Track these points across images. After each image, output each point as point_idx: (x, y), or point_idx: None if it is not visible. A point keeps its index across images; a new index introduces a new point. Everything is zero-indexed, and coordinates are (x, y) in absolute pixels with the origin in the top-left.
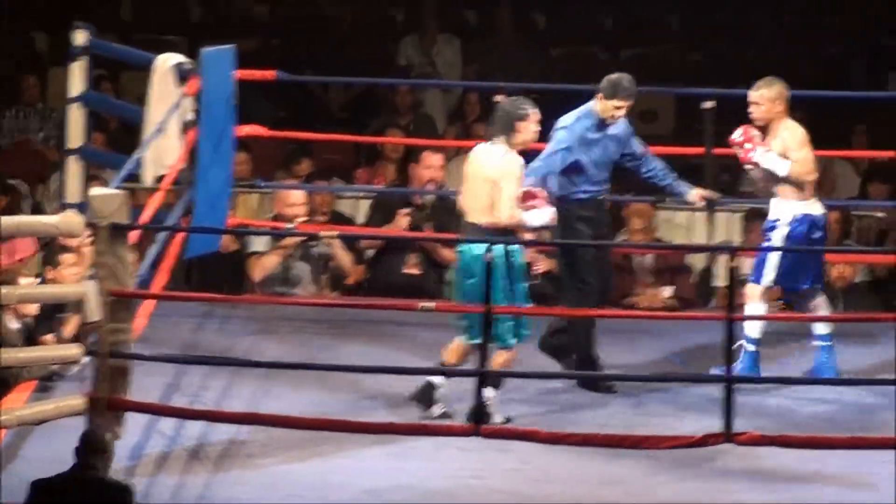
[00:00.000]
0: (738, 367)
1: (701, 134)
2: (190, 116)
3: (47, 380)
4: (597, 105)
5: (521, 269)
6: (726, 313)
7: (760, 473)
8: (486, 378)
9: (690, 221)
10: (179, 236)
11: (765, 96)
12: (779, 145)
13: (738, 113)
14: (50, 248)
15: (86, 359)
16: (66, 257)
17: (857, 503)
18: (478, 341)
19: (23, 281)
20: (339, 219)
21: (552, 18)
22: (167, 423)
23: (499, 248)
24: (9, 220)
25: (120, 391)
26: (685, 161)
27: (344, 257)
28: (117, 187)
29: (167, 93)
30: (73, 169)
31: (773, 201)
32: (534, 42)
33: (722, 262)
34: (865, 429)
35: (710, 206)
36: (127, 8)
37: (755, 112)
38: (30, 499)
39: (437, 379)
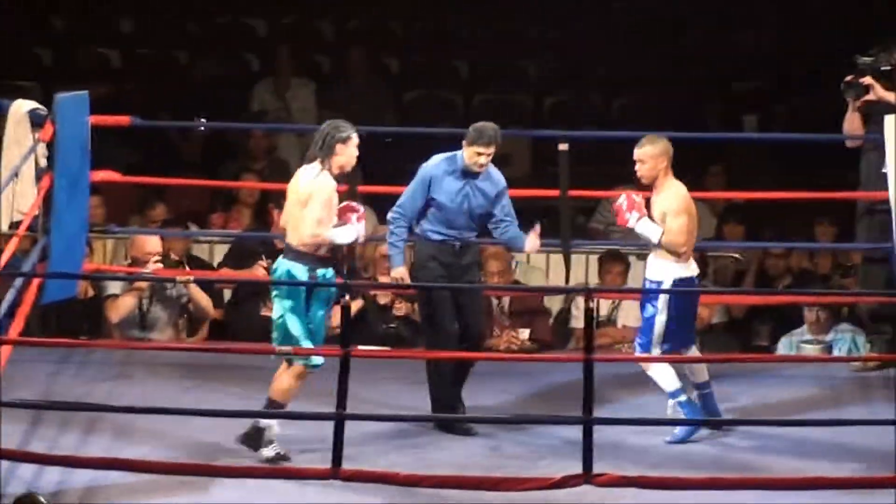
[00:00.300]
0: (681, 432)
1: (556, 177)
2: (44, 163)
3: None
4: (464, 151)
5: (324, 296)
6: (584, 355)
7: None
8: (343, 420)
9: (548, 263)
10: (35, 282)
11: (648, 153)
12: (660, 207)
13: (594, 155)
14: None
15: None
16: None
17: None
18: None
19: None
20: (195, 262)
21: (405, 63)
22: (26, 469)
23: (282, 268)
24: None
25: None
26: (541, 203)
27: (202, 300)
28: None
29: (22, 139)
30: None
31: (650, 258)
32: (388, 86)
33: (579, 303)
34: (723, 469)
35: (566, 248)
36: None
37: (640, 170)
38: None
39: (264, 421)
